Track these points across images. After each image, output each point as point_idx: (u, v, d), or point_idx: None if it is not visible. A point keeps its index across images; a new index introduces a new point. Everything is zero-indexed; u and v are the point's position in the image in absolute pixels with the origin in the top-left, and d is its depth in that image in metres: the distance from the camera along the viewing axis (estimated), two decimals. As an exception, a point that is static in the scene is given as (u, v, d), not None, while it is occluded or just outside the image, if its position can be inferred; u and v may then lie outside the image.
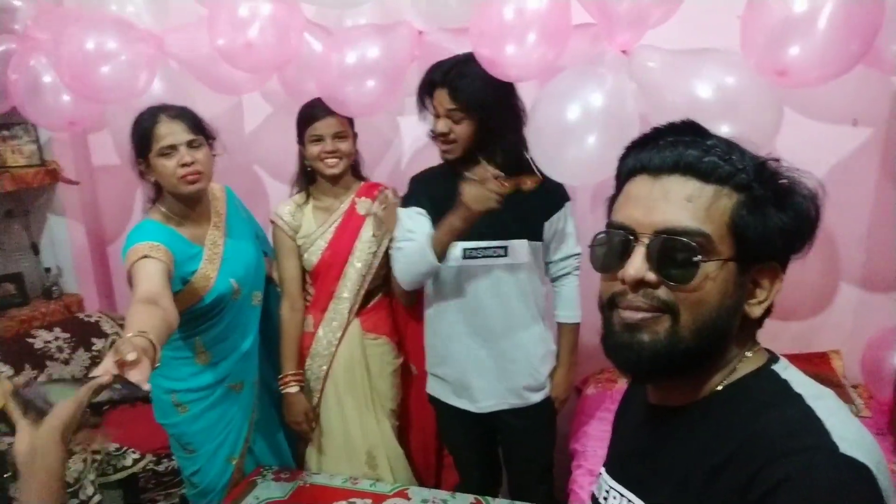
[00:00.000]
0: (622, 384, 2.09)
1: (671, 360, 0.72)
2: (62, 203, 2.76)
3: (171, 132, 1.73)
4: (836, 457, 0.63)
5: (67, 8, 2.44)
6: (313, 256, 2.00)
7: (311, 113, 1.92)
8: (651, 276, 0.72)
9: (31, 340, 2.45)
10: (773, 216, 0.72)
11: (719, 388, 0.75)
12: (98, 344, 2.63)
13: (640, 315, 0.73)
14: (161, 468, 2.37)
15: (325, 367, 2.04)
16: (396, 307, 2.15)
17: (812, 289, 2.12)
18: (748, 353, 0.77)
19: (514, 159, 1.71)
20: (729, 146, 0.75)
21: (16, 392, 0.96)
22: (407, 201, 1.87)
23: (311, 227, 2.01)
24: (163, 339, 1.28)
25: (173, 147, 1.73)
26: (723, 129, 1.44)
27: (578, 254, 1.87)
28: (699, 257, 0.70)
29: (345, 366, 2.04)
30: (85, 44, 1.92)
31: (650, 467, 0.79)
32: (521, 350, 1.83)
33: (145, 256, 1.59)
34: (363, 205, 2.02)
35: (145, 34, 2.05)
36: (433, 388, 1.97)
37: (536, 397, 1.88)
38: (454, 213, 1.63)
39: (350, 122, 1.96)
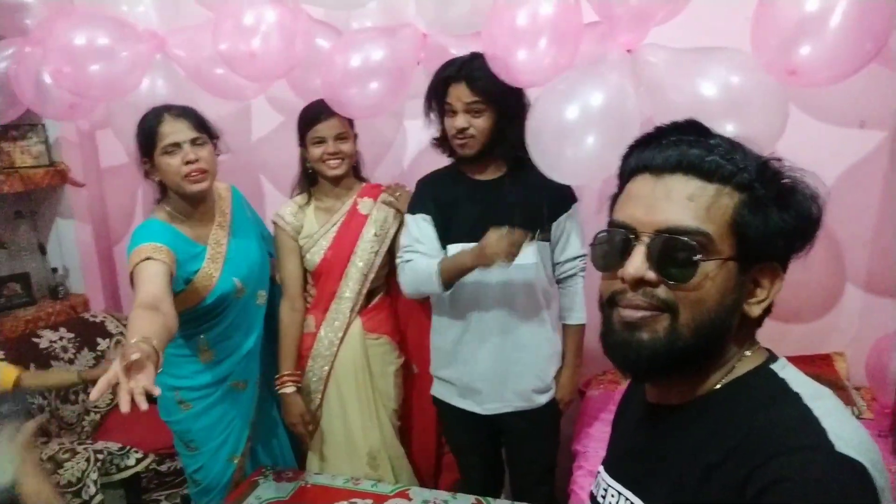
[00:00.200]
0: (625, 386, 2.08)
1: (670, 358, 0.72)
2: (70, 204, 2.78)
3: (175, 130, 1.74)
4: (832, 455, 0.63)
5: (79, 7, 2.45)
6: (315, 256, 2.01)
7: (313, 115, 1.93)
8: (651, 275, 0.72)
9: (36, 340, 2.46)
10: (775, 216, 0.72)
11: (718, 386, 0.75)
12: (103, 344, 2.64)
13: (639, 314, 0.73)
14: (163, 468, 2.39)
15: (326, 368, 2.05)
16: (398, 307, 2.16)
17: (817, 291, 2.11)
18: (747, 353, 0.77)
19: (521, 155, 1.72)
20: (732, 146, 0.75)
21: None
22: (413, 206, 1.88)
23: (314, 227, 2.02)
24: (164, 345, 1.32)
25: (177, 145, 1.74)
26: (728, 129, 1.46)
27: (584, 255, 1.87)
28: (699, 256, 0.71)
29: (346, 366, 2.04)
30: (74, 39, 1.92)
31: (648, 466, 0.80)
32: (528, 352, 1.83)
33: (148, 258, 1.61)
34: (365, 205, 2.03)
35: (145, 34, 2.06)
36: (438, 390, 1.97)
37: (542, 399, 1.88)
38: (470, 253, 1.66)
39: (350, 123, 1.97)
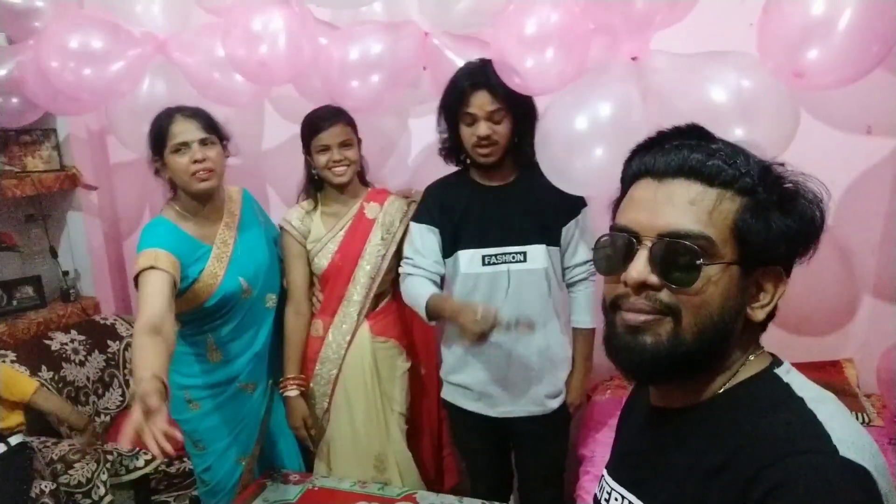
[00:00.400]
0: (632, 391, 2.08)
1: (672, 362, 0.73)
2: (81, 208, 2.81)
3: (184, 130, 1.80)
4: (835, 459, 0.63)
5: (89, 9, 2.48)
6: (324, 260, 2.02)
7: (316, 123, 1.94)
8: (653, 279, 0.73)
9: (48, 342, 2.49)
10: (777, 220, 0.72)
11: (721, 390, 0.75)
12: (113, 346, 2.67)
13: (642, 317, 0.74)
14: (172, 470, 2.40)
15: (334, 371, 2.05)
16: (405, 311, 2.16)
17: (827, 298, 2.10)
18: (751, 357, 0.77)
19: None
20: (734, 150, 0.75)
21: None
22: (419, 214, 1.89)
23: (321, 231, 2.03)
24: (167, 369, 1.47)
25: (186, 144, 1.79)
26: (739, 133, 1.45)
27: None
28: (701, 260, 0.71)
29: (354, 369, 2.05)
30: (69, 41, 1.95)
31: (651, 469, 0.80)
32: (540, 356, 1.84)
33: (152, 268, 1.67)
34: (372, 209, 2.04)
35: (143, 37, 2.08)
36: (449, 394, 1.97)
37: (554, 403, 1.88)
38: (450, 310, 1.68)
39: (354, 129, 1.99)
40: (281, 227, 2.05)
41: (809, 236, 0.74)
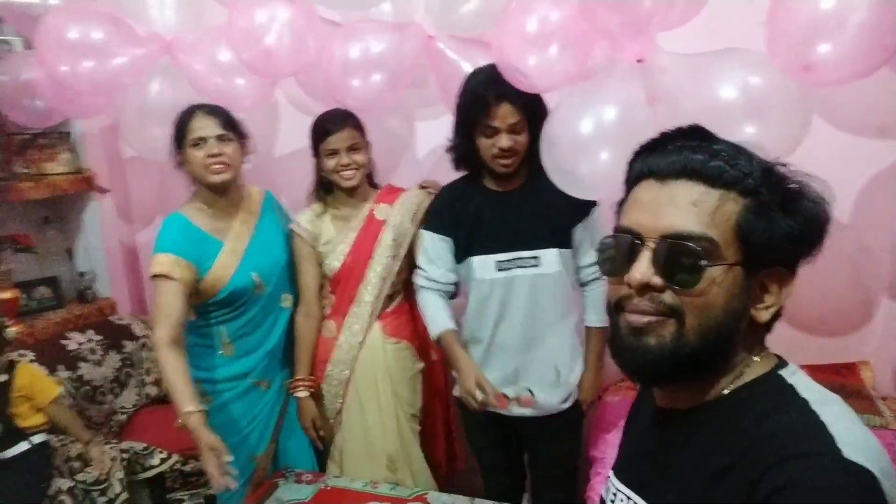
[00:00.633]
0: (643, 392, 2.08)
1: (676, 363, 0.73)
2: (96, 209, 2.84)
3: (203, 126, 1.89)
4: (839, 461, 0.62)
5: (86, 6, 2.49)
6: (335, 261, 2.03)
7: (325, 127, 1.95)
8: (657, 281, 0.73)
9: (64, 342, 2.52)
10: (780, 221, 0.72)
11: (726, 391, 0.75)
12: (129, 346, 2.70)
13: (645, 319, 0.74)
14: (187, 468, 2.42)
15: (347, 372, 2.07)
16: (418, 312, 2.17)
17: (841, 299, 2.07)
18: (756, 358, 0.76)
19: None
20: (736, 151, 0.75)
21: None
22: (430, 223, 1.90)
23: (331, 233, 2.05)
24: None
25: (203, 139, 1.88)
26: (749, 131, 1.44)
27: None
28: (704, 262, 0.71)
29: (366, 370, 2.06)
30: (67, 34, 1.97)
31: (656, 470, 0.80)
32: (555, 357, 1.84)
33: (167, 277, 1.82)
34: (382, 210, 2.05)
35: (147, 37, 2.09)
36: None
37: (566, 403, 1.89)
38: (461, 367, 1.78)
39: (363, 132, 2.00)
40: (291, 231, 2.07)
41: (813, 237, 0.74)
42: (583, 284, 1.90)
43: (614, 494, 0.86)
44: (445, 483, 2.24)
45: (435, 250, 1.86)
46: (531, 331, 1.82)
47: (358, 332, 2.05)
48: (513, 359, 1.84)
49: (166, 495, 2.42)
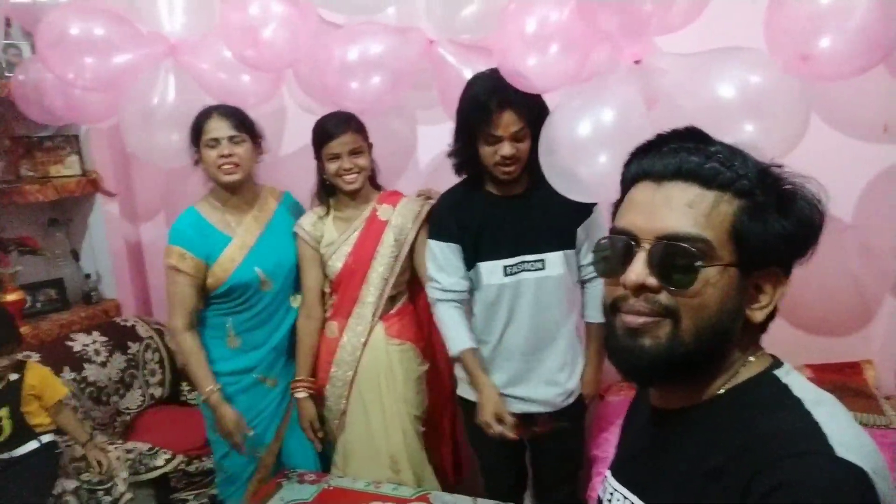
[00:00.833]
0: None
1: (672, 364, 0.73)
2: (102, 212, 2.86)
3: (217, 127, 1.97)
4: (832, 461, 0.63)
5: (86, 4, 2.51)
6: (338, 262, 2.04)
7: (326, 131, 1.96)
8: (652, 281, 0.73)
9: (70, 343, 2.54)
10: (775, 222, 0.72)
11: (721, 391, 0.76)
12: (133, 347, 2.71)
13: (641, 319, 0.74)
14: (192, 469, 2.44)
15: (350, 373, 2.07)
16: (421, 312, 2.18)
17: (846, 298, 2.07)
18: (751, 358, 0.77)
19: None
20: (731, 152, 0.75)
21: None
22: (436, 231, 1.89)
23: (333, 235, 2.06)
24: None
25: (217, 140, 1.97)
26: (749, 130, 1.44)
27: None
28: (700, 263, 0.71)
29: (369, 371, 2.07)
30: (69, 29, 1.98)
31: (651, 469, 0.80)
32: (559, 357, 1.86)
33: (178, 270, 1.98)
34: (385, 211, 2.06)
35: (151, 37, 2.11)
36: (465, 390, 1.97)
37: (569, 399, 1.90)
38: (480, 386, 1.82)
39: (365, 135, 2.00)
40: (294, 233, 2.09)
41: (808, 238, 0.74)
42: (584, 282, 1.91)
43: (611, 494, 0.86)
44: (452, 490, 2.24)
45: (445, 258, 1.86)
46: (537, 332, 1.83)
47: (361, 332, 2.06)
48: (518, 360, 1.86)
49: (171, 496, 2.44)
